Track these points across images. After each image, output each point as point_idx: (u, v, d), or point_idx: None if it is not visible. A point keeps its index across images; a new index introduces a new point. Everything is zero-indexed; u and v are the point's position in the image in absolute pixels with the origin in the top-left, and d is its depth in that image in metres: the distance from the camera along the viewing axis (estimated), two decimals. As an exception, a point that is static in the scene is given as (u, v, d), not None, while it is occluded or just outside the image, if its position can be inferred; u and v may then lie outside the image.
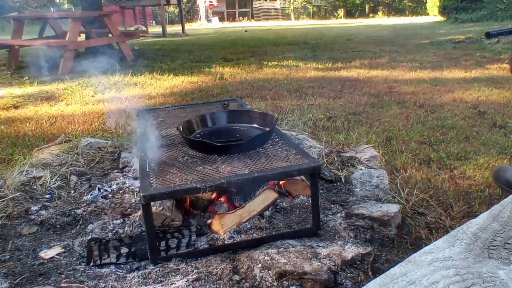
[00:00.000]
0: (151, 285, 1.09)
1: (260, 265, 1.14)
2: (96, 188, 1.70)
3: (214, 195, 1.49)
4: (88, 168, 1.93)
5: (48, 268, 1.22)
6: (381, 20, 16.62)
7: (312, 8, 22.27)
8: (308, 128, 2.51)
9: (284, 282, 1.09)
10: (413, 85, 3.77)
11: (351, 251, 1.21)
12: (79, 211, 1.56)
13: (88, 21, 6.00)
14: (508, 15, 11.13)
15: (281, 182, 1.58)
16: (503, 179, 1.64)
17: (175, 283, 1.08)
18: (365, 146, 2.05)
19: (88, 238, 1.36)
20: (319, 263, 1.13)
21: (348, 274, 1.14)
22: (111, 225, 1.43)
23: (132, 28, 12.59)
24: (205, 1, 20.69)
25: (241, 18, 23.34)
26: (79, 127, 2.73)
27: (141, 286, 1.09)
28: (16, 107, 3.45)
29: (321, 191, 1.65)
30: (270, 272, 1.11)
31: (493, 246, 0.93)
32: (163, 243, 1.26)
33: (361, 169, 1.79)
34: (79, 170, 1.90)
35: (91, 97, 3.73)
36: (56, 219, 1.51)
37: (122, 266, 1.23)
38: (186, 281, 1.08)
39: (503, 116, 2.67)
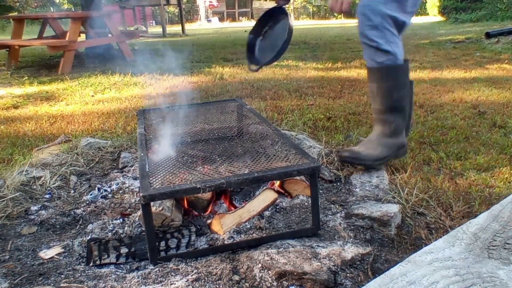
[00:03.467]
0: (150, 285, 1.09)
1: (259, 265, 1.14)
2: (96, 188, 1.70)
3: (213, 195, 1.49)
4: (88, 168, 1.93)
5: (48, 268, 1.22)
6: (381, 20, 16.59)
7: (312, 8, 22.28)
8: (308, 128, 2.51)
9: (284, 282, 1.09)
10: (413, 85, 3.77)
11: (350, 251, 1.21)
12: (78, 211, 1.56)
13: (87, 21, 6.00)
14: (508, 15, 11.14)
15: (280, 182, 1.58)
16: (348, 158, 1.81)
17: (175, 283, 1.08)
18: (365, 146, 2.05)
19: (88, 238, 1.36)
20: (319, 263, 1.13)
21: (348, 274, 1.14)
22: (111, 225, 1.43)
23: (132, 28, 12.59)
24: (205, 1, 20.71)
25: (241, 18, 23.35)
26: (79, 127, 2.73)
27: (141, 286, 1.09)
28: (16, 107, 3.45)
29: (321, 191, 1.65)
30: (269, 272, 1.11)
31: (493, 246, 0.93)
32: (162, 243, 1.26)
33: (361, 169, 1.79)
34: (79, 170, 1.90)
35: (91, 97, 3.73)
36: (56, 219, 1.51)
37: (121, 266, 1.23)
38: (186, 281, 1.08)
39: (503, 116, 2.67)
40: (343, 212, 1.47)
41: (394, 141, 1.80)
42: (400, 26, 1.67)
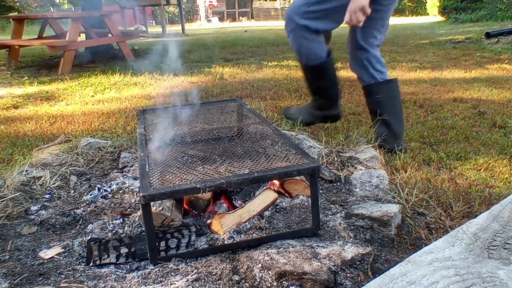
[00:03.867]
0: (150, 285, 1.09)
1: (259, 265, 1.14)
2: (96, 188, 1.70)
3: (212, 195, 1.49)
4: (88, 168, 1.93)
5: (48, 268, 1.22)
6: (381, 20, 16.57)
7: (312, 8, 22.25)
8: (308, 128, 2.51)
9: (284, 282, 1.09)
10: (413, 85, 3.77)
11: (351, 251, 1.21)
12: (78, 211, 1.56)
13: (88, 21, 6.00)
14: (508, 15, 11.15)
15: (281, 182, 1.58)
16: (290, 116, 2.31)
17: (175, 283, 1.08)
18: (365, 146, 2.05)
19: (88, 238, 1.36)
20: (319, 263, 1.13)
21: (348, 274, 1.14)
22: (111, 225, 1.43)
23: (132, 28, 12.59)
24: (205, 1, 20.71)
25: (241, 18, 23.35)
26: (79, 127, 2.73)
27: (141, 286, 1.09)
28: (16, 107, 3.45)
29: (321, 191, 1.65)
30: (269, 272, 1.11)
31: (493, 246, 0.93)
32: (162, 243, 1.26)
33: (361, 169, 1.79)
34: (79, 170, 1.90)
35: (91, 97, 3.73)
36: (56, 219, 1.51)
37: (121, 266, 1.23)
38: (186, 281, 1.08)
39: (503, 116, 2.67)
40: (343, 212, 1.47)
41: (322, 113, 2.25)
42: (319, 31, 1.92)
